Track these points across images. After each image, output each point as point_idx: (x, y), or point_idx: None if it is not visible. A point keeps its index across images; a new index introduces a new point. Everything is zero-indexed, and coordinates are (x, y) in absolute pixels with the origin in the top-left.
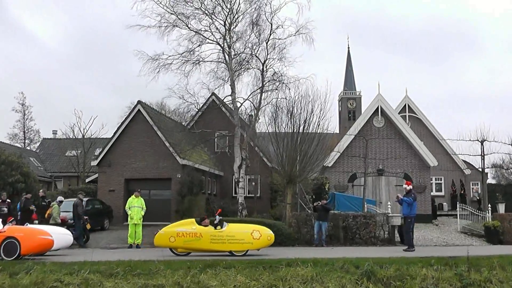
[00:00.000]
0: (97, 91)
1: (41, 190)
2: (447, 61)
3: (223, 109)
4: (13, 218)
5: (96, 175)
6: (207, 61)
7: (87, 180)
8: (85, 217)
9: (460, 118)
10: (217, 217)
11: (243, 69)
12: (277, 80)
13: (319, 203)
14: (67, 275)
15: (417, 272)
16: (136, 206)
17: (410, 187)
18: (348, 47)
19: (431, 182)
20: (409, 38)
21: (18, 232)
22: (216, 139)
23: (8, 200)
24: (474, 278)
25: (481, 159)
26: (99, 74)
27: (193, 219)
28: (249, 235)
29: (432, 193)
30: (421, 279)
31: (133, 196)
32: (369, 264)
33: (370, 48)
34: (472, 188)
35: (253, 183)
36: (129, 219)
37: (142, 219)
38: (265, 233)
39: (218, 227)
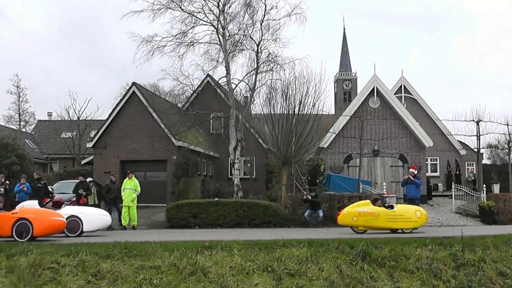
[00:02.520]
0: (88, 72)
1: (35, 172)
2: (443, 41)
3: (218, 90)
4: (49, 200)
5: (92, 157)
6: (201, 43)
7: (82, 162)
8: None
9: (456, 98)
10: (387, 199)
11: (237, 51)
12: (272, 61)
13: (308, 197)
14: (64, 256)
15: (411, 252)
16: (128, 188)
17: (416, 171)
18: (344, 28)
19: (426, 162)
20: (406, 17)
21: (30, 214)
22: (211, 120)
23: (7, 182)
24: (468, 258)
25: (477, 139)
26: (88, 54)
27: (368, 201)
28: (414, 214)
29: (427, 174)
30: (416, 259)
31: (126, 178)
32: (364, 244)
33: (366, 29)
34: (468, 169)
35: (249, 165)
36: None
37: (135, 201)
38: (424, 213)
39: (389, 207)
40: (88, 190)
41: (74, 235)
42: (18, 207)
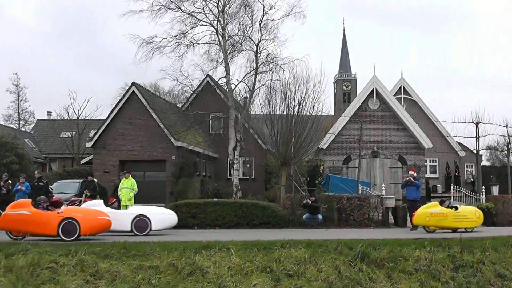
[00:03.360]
0: (87, 72)
1: (36, 171)
2: (443, 41)
3: (218, 91)
4: (115, 200)
5: (91, 157)
6: (201, 43)
7: (82, 162)
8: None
9: (455, 99)
10: (451, 200)
11: (237, 51)
12: (271, 61)
13: (308, 201)
14: (63, 256)
15: (410, 253)
16: (125, 187)
17: (415, 173)
18: (344, 30)
19: (425, 164)
20: (405, 17)
21: (77, 213)
22: (210, 121)
23: (9, 181)
24: (466, 260)
25: (476, 141)
26: (88, 54)
27: (437, 202)
28: (474, 214)
29: (426, 175)
30: (414, 261)
31: (123, 178)
32: (363, 245)
33: (366, 30)
34: (467, 170)
35: (248, 165)
36: None
37: (132, 200)
38: (481, 213)
39: (453, 208)
40: (94, 189)
41: (142, 234)
42: (83, 205)
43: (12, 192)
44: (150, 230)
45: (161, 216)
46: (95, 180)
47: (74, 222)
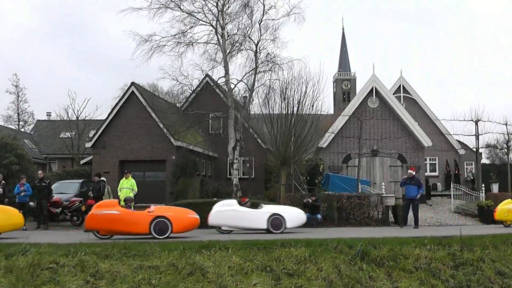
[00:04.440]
0: (86, 71)
1: (39, 172)
2: (443, 41)
3: (217, 90)
4: (248, 200)
5: (91, 157)
6: (200, 43)
7: (81, 162)
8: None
9: (455, 98)
10: None
11: (236, 51)
12: (271, 61)
13: (309, 201)
14: (63, 256)
15: (410, 252)
16: (125, 187)
17: (414, 172)
18: (343, 29)
19: (425, 162)
20: (405, 16)
21: (168, 212)
22: (210, 120)
23: (3, 181)
24: (467, 258)
25: (476, 139)
26: (87, 54)
27: (510, 200)
28: None
29: (426, 174)
30: (414, 259)
31: (123, 178)
32: (363, 244)
33: (365, 28)
34: (466, 168)
35: (248, 165)
36: None
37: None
38: None
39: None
40: (99, 191)
41: (278, 231)
42: (217, 204)
43: (9, 193)
44: (285, 228)
45: (294, 215)
46: (104, 180)
47: (166, 220)
